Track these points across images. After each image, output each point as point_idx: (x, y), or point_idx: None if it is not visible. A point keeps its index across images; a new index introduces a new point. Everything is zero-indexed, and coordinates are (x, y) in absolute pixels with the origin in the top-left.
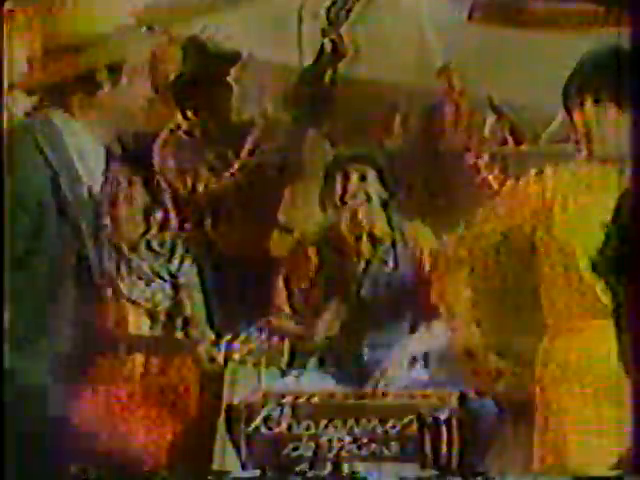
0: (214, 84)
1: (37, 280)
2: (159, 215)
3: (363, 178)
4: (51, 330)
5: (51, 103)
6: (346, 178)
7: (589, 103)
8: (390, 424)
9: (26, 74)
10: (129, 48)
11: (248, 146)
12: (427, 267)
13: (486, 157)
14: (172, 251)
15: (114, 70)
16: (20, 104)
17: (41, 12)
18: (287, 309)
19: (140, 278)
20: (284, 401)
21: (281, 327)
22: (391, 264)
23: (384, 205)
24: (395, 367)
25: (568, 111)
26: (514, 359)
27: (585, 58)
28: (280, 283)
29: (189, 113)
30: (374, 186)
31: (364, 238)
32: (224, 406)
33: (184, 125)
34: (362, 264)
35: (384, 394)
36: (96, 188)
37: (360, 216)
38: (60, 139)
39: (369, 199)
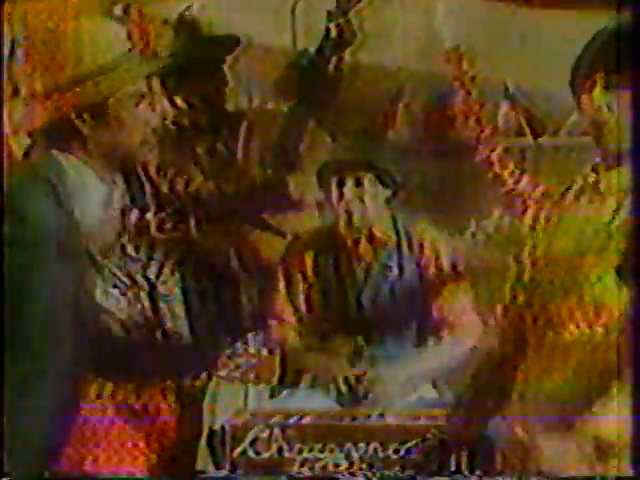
0: (208, 69)
1: None
2: (136, 215)
3: (358, 184)
4: None
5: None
6: (341, 184)
7: (599, 88)
8: (392, 448)
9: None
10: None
11: (241, 139)
12: (437, 273)
13: (500, 150)
14: (150, 256)
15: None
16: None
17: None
18: (291, 318)
19: (114, 287)
20: (273, 422)
21: (282, 339)
22: (395, 269)
23: (387, 202)
24: (398, 384)
25: (575, 95)
26: None
27: (600, 34)
28: (281, 289)
29: (178, 100)
30: (371, 191)
31: (363, 240)
32: (206, 428)
33: (171, 114)
34: (362, 269)
35: (385, 414)
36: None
37: (355, 220)
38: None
39: (365, 205)
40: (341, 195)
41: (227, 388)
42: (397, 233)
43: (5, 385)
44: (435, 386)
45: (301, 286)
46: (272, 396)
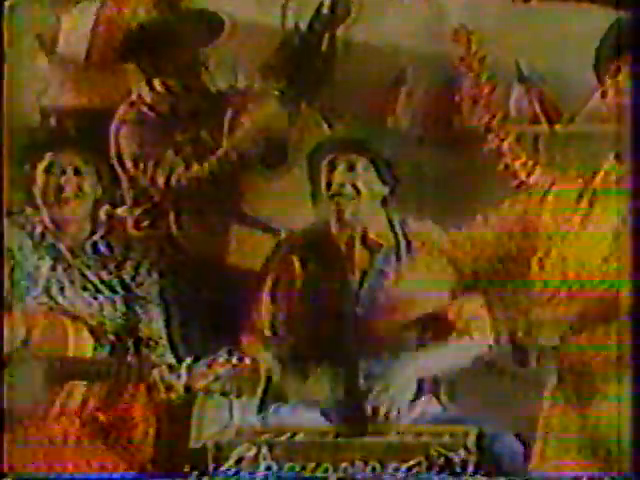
0: (189, 48)
1: None
2: (109, 210)
3: (351, 168)
4: None
5: None
6: (331, 168)
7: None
8: (392, 467)
9: None
10: None
11: (226, 126)
12: (446, 269)
13: (511, 139)
14: (125, 256)
15: None
16: None
17: None
18: (267, 331)
19: (84, 289)
20: (261, 439)
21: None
22: (392, 275)
23: (383, 202)
24: (399, 397)
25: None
26: None
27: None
28: (265, 298)
29: (156, 83)
30: (365, 178)
31: (357, 243)
32: (188, 446)
33: (148, 98)
34: (357, 275)
35: (385, 431)
36: None
37: (347, 215)
38: None
39: (358, 193)
40: (329, 182)
41: (210, 401)
42: (394, 234)
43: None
44: (439, 400)
45: (288, 293)
46: (260, 411)
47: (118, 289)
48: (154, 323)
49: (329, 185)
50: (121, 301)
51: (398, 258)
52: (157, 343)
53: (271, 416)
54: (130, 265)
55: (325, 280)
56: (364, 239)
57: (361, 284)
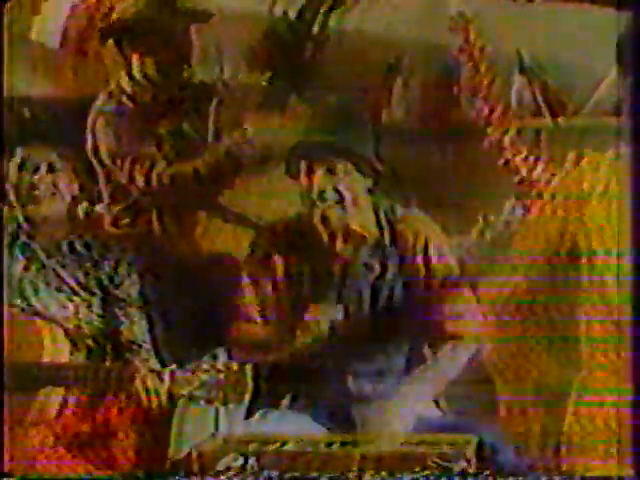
0: (172, 35)
1: None
2: (86, 208)
3: (330, 172)
4: None
5: None
6: (310, 172)
7: None
8: (389, 478)
9: None
10: None
11: (211, 117)
12: (436, 266)
13: (512, 133)
14: (102, 256)
15: None
16: None
17: None
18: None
19: (59, 290)
20: (249, 449)
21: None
22: (377, 268)
23: (369, 192)
24: (394, 407)
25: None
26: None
27: None
28: (248, 295)
29: (136, 71)
30: (346, 181)
31: (340, 235)
32: (170, 456)
33: (128, 88)
34: (341, 269)
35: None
36: None
37: (333, 221)
38: None
39: (342, 198)
40: (310, 186)
41: (195, 409)
42: (379, 226)
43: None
44: (437, 404)
45: (270, 291)
46: (247, 417)
47: (95, 290)
48: (136, 326)
49: (308, 189)
50: (99, 303)
51: (384, 250)
52: (140, 347)
53: (259, 423)
54: (108, 265)
55: (307, 275)
56: (347, 231)
57: (344, 277)
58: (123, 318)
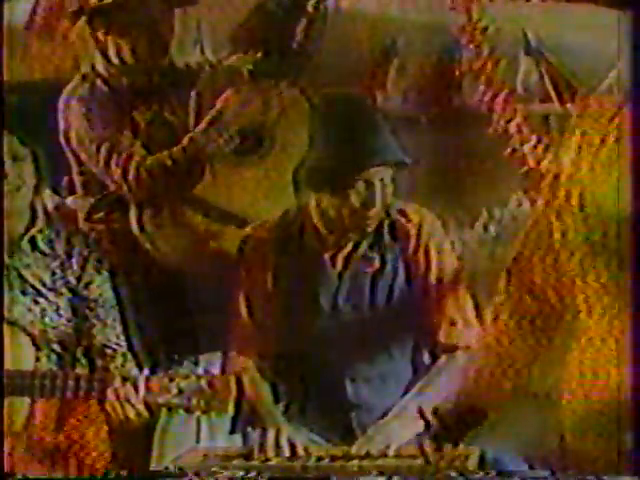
0: (151, 14)
1: None
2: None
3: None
4: None
5: None
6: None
7: None
8: None
9: None
10: None
11: (193, 104)
12: (433, 268)
13: (519, 120)
14: (69, 253)
15: None
16: None
17: None
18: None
19: (23, 293)
20: (234, 464)
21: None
22: (377, 263)
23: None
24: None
25: None
26: None
27: None
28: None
29: (112, 52)
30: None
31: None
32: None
33: (103, 70)
34: (338, 264)
35: (379, 452)
36: None
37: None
38: None
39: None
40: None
41: (175, 420)
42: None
43: None
44: (436, 414)
45: (261, 293)
46: (232, 431)
47: (63, 291)
48: (109, 329)
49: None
50: (67, 305)
51: (382, 244)
52: (115, 351)
53: (244, 437)
54: (76, 263)
55: (299, 269)
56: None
57: (342, 273)
58: (95, 320)
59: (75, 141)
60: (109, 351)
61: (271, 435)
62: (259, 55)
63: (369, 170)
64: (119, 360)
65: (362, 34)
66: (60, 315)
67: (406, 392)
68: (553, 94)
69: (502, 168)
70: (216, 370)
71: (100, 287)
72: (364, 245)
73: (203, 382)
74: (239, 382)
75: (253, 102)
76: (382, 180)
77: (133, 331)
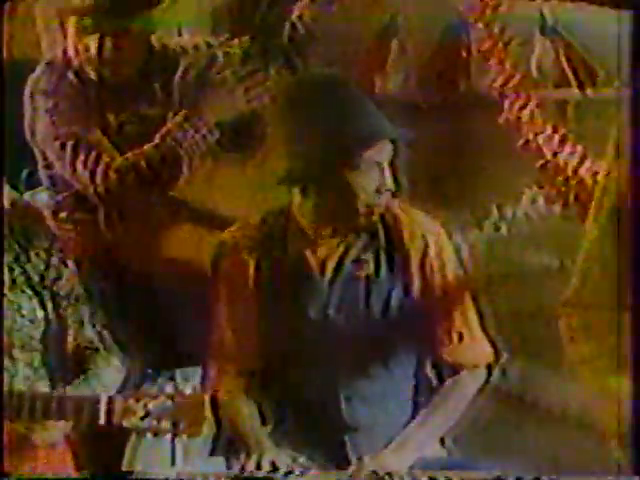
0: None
1: None
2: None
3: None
4: None
5: None
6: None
7: None
8: None
9: None
10: None
11: (175, 95)
12: (435, 275)
13: (533, 107)
14: (25, 248)
15: None
16: None
17: None
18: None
19: None
20: None
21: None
22: (370, 266)
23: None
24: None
25: None
26: None
27: None
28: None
29: (89, 39)
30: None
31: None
32: None
33: (74, 57)
34: (328, 271)
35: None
36: None
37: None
38: None
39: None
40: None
41: (146, 441)
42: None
43: None
44: (442, 442)
45: (242, 304)
46: (212, 453)
47: (25, 289)
48: (87, 328)
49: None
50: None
51: (377, 248)
52: (97, 351)
53: (225, 460)
54: (36, 257)
55: (283, 276)
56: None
57: (332, 281)
58: (70, 320)
59: (39, 136)
60: (91, 352)
61: (253, 459)
62: (245, 39)
63: (362, 155)
64: (100, 362)
65: (359, 11)
66: (23, 317)
67: (406, 413)
68: (571, 78)
69: (514, 161)
70: (190, 389)
71: (68, 282)
72: (356, 247)
73: (173, 402)
74: (214, 402)
75: (235, 92)
76: (379, 164)
77: (107, 330)
